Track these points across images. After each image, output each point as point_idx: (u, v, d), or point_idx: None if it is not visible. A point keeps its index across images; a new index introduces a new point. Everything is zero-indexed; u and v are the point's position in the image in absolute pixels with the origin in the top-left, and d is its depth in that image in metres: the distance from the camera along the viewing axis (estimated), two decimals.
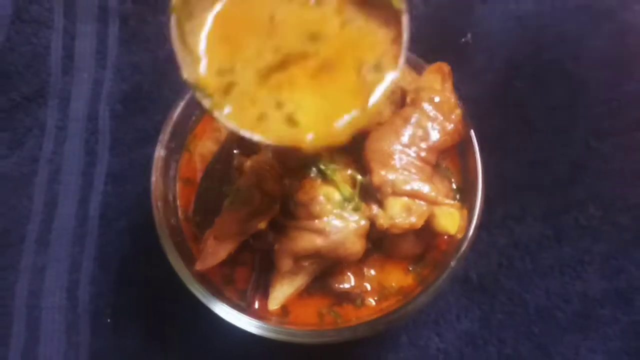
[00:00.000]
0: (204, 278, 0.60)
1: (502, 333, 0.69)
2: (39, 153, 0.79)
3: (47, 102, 0.81)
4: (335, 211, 0.57)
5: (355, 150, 0.61)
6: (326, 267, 0.59)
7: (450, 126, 0.60)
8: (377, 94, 0.42)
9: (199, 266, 0.58)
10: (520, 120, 0.79)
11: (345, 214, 0.57)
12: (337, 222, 0.56)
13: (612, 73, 0.80)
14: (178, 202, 0.66)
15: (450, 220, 0.57)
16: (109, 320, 0.71)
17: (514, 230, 0.73)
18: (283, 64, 0.43)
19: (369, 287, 0.61)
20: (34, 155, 0.78)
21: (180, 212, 0.65)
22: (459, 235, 0.58)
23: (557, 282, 0.71)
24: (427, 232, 0.58)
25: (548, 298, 0.70)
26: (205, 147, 0.67)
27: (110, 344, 0.70)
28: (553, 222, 0.73)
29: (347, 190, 0.58)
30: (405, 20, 0.42)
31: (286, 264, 0.57)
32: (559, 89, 0.80)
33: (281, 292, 0.59)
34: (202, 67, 0.43)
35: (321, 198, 0.56)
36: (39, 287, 0.72)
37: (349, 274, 0.61)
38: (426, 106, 0.60)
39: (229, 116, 0.43)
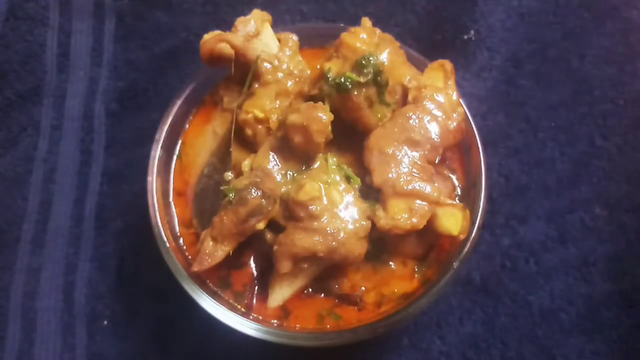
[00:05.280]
0: (200, 280, 0.59)
1: (506, 336, 0.69)
2: (33, 152, 0.78)
3: (42, 101, 0.80)
4: (335, 211, 0.56)
5: (355, 150, 0.61)
6: (326, 269, 0.59)
7: (452, 125, 0.59)
8: None
9: (196, 267, 0.57)
10: (524, 118, 0.78)
11: (346, 215, 0.56)
12: (337, 223, 0.55)
13: (617, 71, 0.80)
14: (174, 205, 0.65)
15: (453, 221, 0.57)
16: (105, 322, 0.70)
17: (517, 231, 0.73)
18: None
19: (366, 289, 0.60)
20: (29, 154, 0.78)
21: (177, 214, 0.64)
22: (462, 236, 0.57)
23: (562, 283, 0.70)
24: (429, 233, 0.58)
25: (552, 300, 0.70)
26: (201, 145, 0.67)
27: (107, 346, 0.70)
28: (557, 223, 0.73)
29: (357, 181, 0.58)
30: None
31: (285, 265, 0.56)
32: (563, 86, 0.79)
33: (280, 294, 0.59)
34: None
35: (323, 198, 0.56)
36: (35, 289, 0.72)
37: (349, 275, 0.60)
38: (428, 104, 0.59)
39: None
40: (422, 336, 0.69)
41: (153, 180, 0.63)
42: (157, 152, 0.64)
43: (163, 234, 0.60)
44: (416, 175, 0.57)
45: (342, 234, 0.55)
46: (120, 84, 0.82)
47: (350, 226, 0.56)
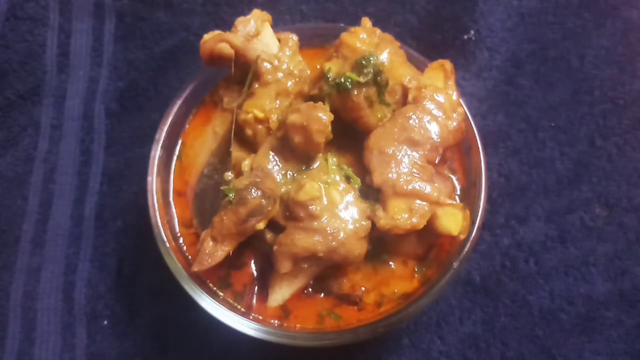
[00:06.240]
0: (200, 280, 0.59)
1: (506, 336, 0.69)
2: (33, 152, 0.78)
3: (42, 101, 0.81)
4: (335, 211, 0.56)
5: (355, 150, 0.61)
6: (326, 269, 0.59)
7: (452, 125, 0.60)
8: None
9: (195, 267, 0.57)
10: (524, 118, 0.78)
11: (346, 215, 0.56)
12: (337, 223, 0.55)
13: (617, 71, 0.80)
14: (174, 205, 0.65)
15: (453, 221, 0.57)
16: (105, 322, 0.70)
17: (517, 231, 0.73)
18: None
19: (366, 289, 0.60)
20: (29, 154, 0.78)
21: (177, 214, 0.64)
22: (462, 236, 0.57)
23: (562, 283, 0.70)
24: (429, 233, 0.58)
25: (552, 300, 0.70)
26: (201, 145, 0.66)
27: (107, 346, 0.70)
28: (557, 223, 0.73)
29: (357, 181, 0.58)
30: None
31: (285, 265, 0.56)
32: (563, 86, 0.79)
33: (280, 294, 0.59)
34: None
35: (323, 198, 0.56)
36: (34, 289, 0.72)
37: (349, 275, 0.60)
38: (428, 104, 0.59)
39: None
40: (422, 336, 0.69)
41: (153, 180, 0.63)
42: (157, 152, 0.64)
43: (163, 234, 0.60)
44: (416, 175, 0.57)
45: (342, 234, 0.55)
46: (120, 84, 0.82)
47: (350, 226, 0.56)
